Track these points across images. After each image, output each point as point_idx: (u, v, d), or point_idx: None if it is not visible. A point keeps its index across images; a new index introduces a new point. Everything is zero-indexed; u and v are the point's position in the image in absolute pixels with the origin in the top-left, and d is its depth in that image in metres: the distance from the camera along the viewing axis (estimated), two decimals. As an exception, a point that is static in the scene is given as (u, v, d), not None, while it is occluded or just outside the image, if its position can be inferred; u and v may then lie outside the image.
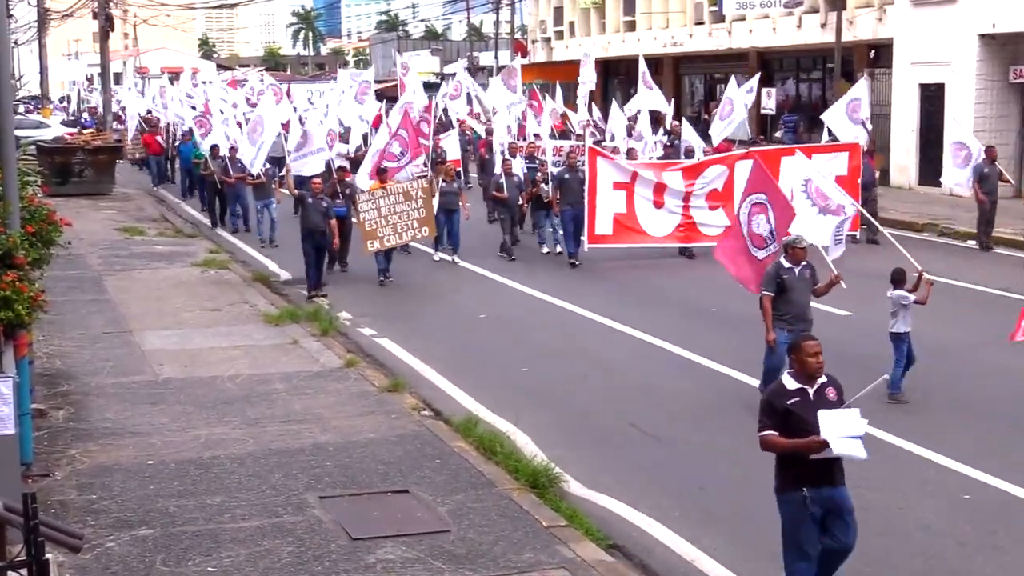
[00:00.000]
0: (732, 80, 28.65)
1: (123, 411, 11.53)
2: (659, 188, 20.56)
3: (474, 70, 54.79)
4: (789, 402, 7.27)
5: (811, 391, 7.32)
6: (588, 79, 30.32)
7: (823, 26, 35.28)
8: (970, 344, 13.65)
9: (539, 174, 21.54)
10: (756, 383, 12.84)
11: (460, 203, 20.67)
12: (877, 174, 23.61)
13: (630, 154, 22.94)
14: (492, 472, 9.87)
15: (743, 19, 39.26)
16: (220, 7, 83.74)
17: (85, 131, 38.01)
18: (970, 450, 10.63)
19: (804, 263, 11.56)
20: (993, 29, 27.82)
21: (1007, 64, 28.39)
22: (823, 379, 7.37)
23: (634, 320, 15.89)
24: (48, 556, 5.28)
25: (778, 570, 8.33)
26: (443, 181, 20.71)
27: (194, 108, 33.30)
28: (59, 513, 8.74)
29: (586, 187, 20.19)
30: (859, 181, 20.53)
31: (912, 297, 11.95)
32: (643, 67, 29.91)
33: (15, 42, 52.44)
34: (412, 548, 8.29)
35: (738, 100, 27.14)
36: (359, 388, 12.45)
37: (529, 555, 8.22)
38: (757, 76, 30.44)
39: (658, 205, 20.59)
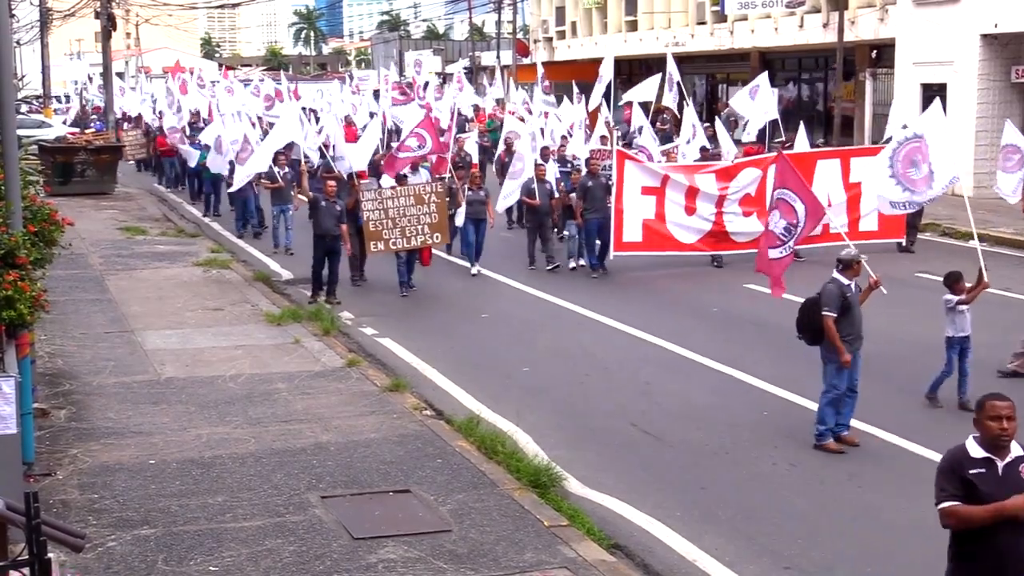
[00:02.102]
0: (764, 76, 27.95)
1: (125, 411, 11.54)
2: (691, 192, 19.58)
3: (475, 70, 54.84)
4: (971, 472, 5.80)
5: (1000, 464, 5.82)
6: (605, 78, 29.16)
7: (825, 26, 35.28)
8: (974, 344, 13.62)
9: (569, 183, 20.19)
10: (756, 383, 12.87)
11: (487, 211, 19.71)
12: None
13: (668, 157, 21.92)
14: (493, 472, 9.88)
15: (745, 19, 39.28)
16: (222, 7, 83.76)
17: (86, 131, 37.97)
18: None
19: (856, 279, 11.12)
20: (995, 29, 27.81)
21: (1009, 64, 28.39)
22: (1019, 452, 5.88)
23: (635, 320, 15.89)
24: (50, 555, 5.29)
25: (779, 569, 8.35)
26: (469, 189, 19.67)
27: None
28: (61, 512, 8.75)
29: (612, 192, 19.27)
30: None
31: (954, 299, 11.77)
32: (671, 66, 27.70)
33: (17, 42, 52.51)
34: (413, 548, 8.30)
35: (768, 98, 26.03)
36: (360, 388, 12.46)
37: (531, 555, 8.22)
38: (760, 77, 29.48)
39: (690, 211, 19.70)
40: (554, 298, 17.62)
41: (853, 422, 11.05)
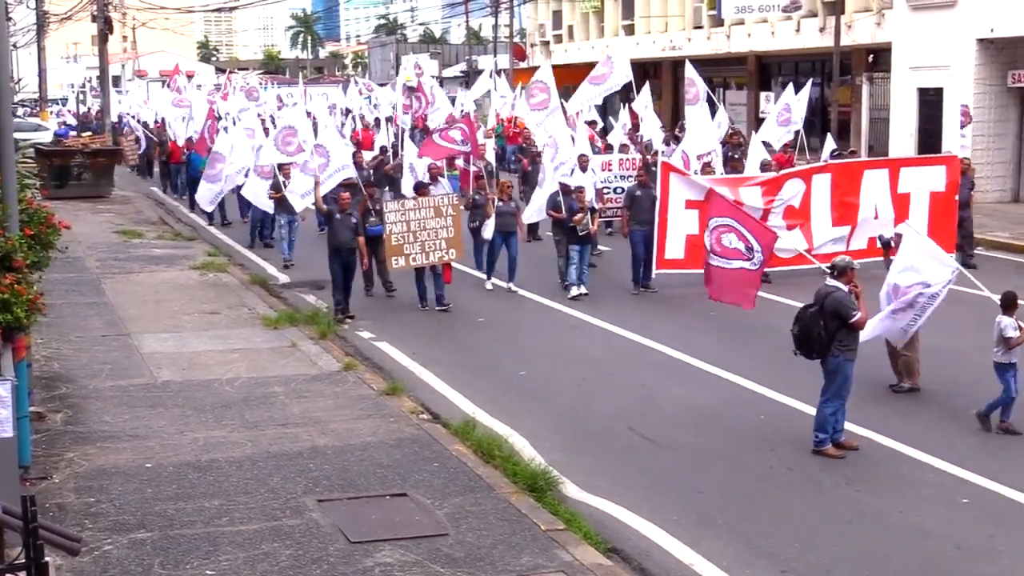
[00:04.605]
0: (790, 87, 27.09)
1: (121, 414, 11.53)
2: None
3: (472, 74, 54.66)
4: None
5: None
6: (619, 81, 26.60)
7: (822, 30, 35.35)
8: (966, 348, 13.65)
9: (579, 204, 18.24)
10: (754, 387, 12.86)
11: (517, 224, 18.74)
12: (973, 193, 21.47)
13: (704, 170, 21.06)
14: (490, 475, 9.87)
15: (742, 23, 39.34)
16: (219, 10, 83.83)
17: (69, 137, 37.83)
18: (968, 454, 10.65)
19: None
20: (991, 34, 27.86)
21: (1005, 68, 28.43)
22: None
23: (633, 324, 15.89)
24: (47, 559, 5.28)
25: (776, 573, 8.35)
26: (499, 200, 18.62)
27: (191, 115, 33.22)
28: (57, 516, 8.74)
29: (657, 206, 18.38)
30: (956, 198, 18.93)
31: (1008, 327, 11.37)
32: (690, 73, 24.66)
33: (14, 45, 52.51)
34: (410, 551, 8.29)
35: (796, 106, 25.57)
36: (357, 391, 12.46)
37: (527, 558, 8.22)
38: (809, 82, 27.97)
39: None
40: (551, 302, 17.61)
41: (851, 426, 11.06)
